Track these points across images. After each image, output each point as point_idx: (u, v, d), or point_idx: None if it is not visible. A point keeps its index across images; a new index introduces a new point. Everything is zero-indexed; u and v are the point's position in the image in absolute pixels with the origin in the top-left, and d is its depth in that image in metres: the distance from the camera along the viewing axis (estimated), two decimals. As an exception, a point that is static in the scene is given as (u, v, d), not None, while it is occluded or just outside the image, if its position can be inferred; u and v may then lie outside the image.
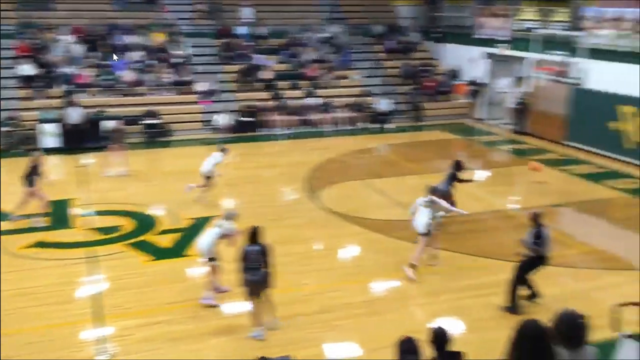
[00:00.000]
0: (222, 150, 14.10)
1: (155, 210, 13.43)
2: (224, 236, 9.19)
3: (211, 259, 9.20)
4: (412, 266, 10.11)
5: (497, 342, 4.49)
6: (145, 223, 12.66)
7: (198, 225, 12.18)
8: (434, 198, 10.20)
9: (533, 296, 9.16)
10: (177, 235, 11.93)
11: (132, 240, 11.65)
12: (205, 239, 9.24)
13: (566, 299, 9.24)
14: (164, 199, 14.11)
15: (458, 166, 12.49)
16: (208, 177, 13.70)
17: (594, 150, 18.11)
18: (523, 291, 9.12)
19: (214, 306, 9.08)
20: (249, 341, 8.15)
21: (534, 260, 8.95)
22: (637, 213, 13.61)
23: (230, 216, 9.49)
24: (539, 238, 8.77)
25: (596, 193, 14.78)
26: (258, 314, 8.26)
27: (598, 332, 7.40)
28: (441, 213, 10.61)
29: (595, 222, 12.96)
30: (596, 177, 15.98)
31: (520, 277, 9.01)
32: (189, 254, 11.00)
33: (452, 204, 11.91)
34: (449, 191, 12.09)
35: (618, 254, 11.12)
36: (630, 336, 5.66)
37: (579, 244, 11.53)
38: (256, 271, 8.06)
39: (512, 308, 8.93)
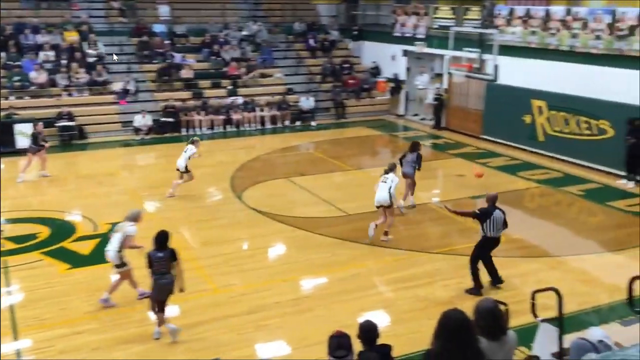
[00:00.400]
0: (193, 142, 14.08)
1: (73, 216, 12.91)
2: (127, 238, 8.95)
3: (118, 266, 8.97)
4: (386, 233, 11.46)
5: (425, 334, 4.59)
6: (62, 230, 12.14)
7: (118, 230, 11.79)
8: (392, 175, 11.52)
9: (476, 289, 9.50)
10: (96, 242, 11.50)
11: (49, 249, 11.14)
12: (110, 245, 8.99)
13: (487, 287, 9.59)
14: (82, 204, 13.59)
15: (418, 148, 13.36)
16: (185, 172, 13.84)
17: (509, 143, 18.86)
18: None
19: (111, 306, 8.97)
20: (177, 346, 7.99)
21: (484, 241, 9.47)
22: (551, 202, 14.31)
23: (132, 217, 9.19)
24: (482, 214, 9.38)
25: (512, 184, 15.40)
26: (163, 317, 8.18)
27: (519, 318, 7.71)
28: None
29: (512, 212, 13.45)
30: (512, 169, 16.65)
31: (475, 260, 9.57)
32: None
33: (414, 186, 13.13)
34: (414, 174, 13.16)
35: (534, 242, 11.64)
36: (547, 320, 5.91)
37: (497, 234, 11.96)
38: (163, 276, 7.97)
39: (476, 290, 9.43)
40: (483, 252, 9.59)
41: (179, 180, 13.99)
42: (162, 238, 8.06)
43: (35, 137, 15.65)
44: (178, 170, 13.87)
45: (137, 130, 20.05)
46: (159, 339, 8.14)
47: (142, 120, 20.05)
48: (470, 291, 9.43)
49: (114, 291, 9.11)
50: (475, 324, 4.41)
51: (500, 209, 9.49)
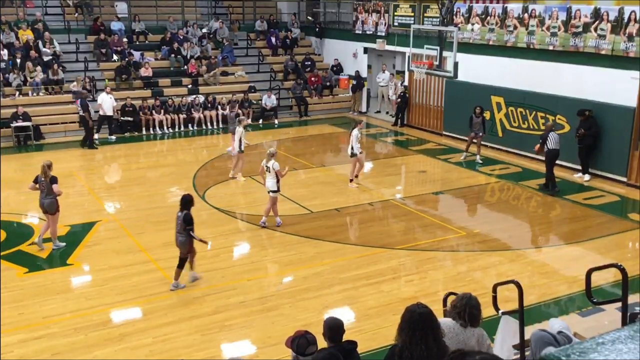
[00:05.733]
0: None
1: (30, 219, 12.61)
2: (277, 171, 11.82)
3: (274, 191, 11.88)
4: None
5: (390, 329, 4.62)
6: (19, 233, 11.85)
7: (76, 233, 11.57)
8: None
9: None
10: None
11: (6, 252, 10.84)
12: (268, 178, 11.90)
13: (449, 282, 9.73)
14: (39, 207, 13.24)
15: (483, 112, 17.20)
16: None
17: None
18: None
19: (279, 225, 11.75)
20: (140, 349, 7.88)
21: (547, 153, 14.19)
22: (510, 196, 14.58)
23: (271, 154, 11.85)
24: (544, 137, 14.17)
25: (473, 179, 15.64)
26: (192, 262, 9.65)
27: (482, 311, 7.83)
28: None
29: (472, 207, 13.71)
30: (472, 165, 16.90)
31: (550, 168, 14.42)
32: (69, 263, 10.45)
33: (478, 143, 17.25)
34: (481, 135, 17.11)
35: (494, 236, 11.83)
36: (508, 313, 6.01)
37: (458, 228, 12.15)
38: (177, 234, 9.32)
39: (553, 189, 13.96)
40: (550, 160, 13.99)
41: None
42: (182, 200, 9.33)
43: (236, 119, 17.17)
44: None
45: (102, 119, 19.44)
46: (172, 290, 9.37)
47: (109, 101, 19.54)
48: (551, 193, 13.95)
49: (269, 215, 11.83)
50: (459, 310, 4.74)
51: (554, 132, 14.14)
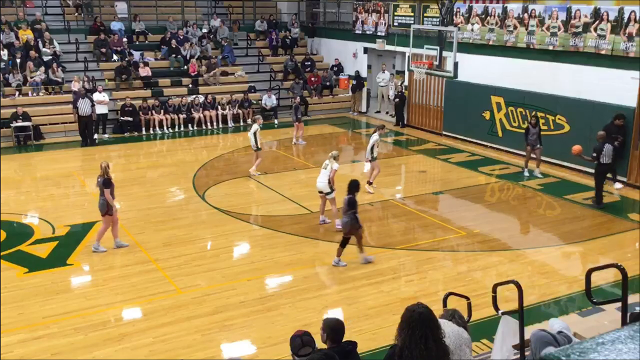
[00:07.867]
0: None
1: (30, 219, 12.61)
2: (333, 172, 11.84)
3: (328, 193, 11.82)
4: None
5: (389, 329, 4.62)
6: (18, 233, 11.85)
7: (76, 233, 11.56)
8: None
9: None
10: (53, 245, 11.26)
11: (5, 252, 10.84)
12: (321, 178, 11.84)
13: (449, 282, 9.73)
14: (39, 207, 13.28)
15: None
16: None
17: (469, 139, 19.14)
18: None
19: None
20: (140, 349, 7.88)
21: (600, 166, 13.18)
22: (510, 196, 14.58)
23: (335, 156, 11.83)
24: (597, 151, 12.86)
25: (473, 179, 15.64)
26: (360, 244, 10.27)
27: (481, 311, 7.84)
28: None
29: (472, 207, 13.70)
30: (472, 165, 16.90)
31: (599, 180, 13.16)
32: (68, 263, 10.44)
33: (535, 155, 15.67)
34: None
35: (494, 236, 11.83)
36: (508, 313, 6.01)
37: (458, 228, 12.15)
38: (344, 215, 10.01)
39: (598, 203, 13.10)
40: (601, 175, 13.05)
41: None
42: (349, 184, 10.06)
43: (296, 110, 18.75)
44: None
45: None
46: (334, 265, 10.22)
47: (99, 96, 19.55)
48: (595, 203, 13.21)
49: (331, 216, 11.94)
50: (441, 315, 4.99)
51: (609, 143, 12.81)
